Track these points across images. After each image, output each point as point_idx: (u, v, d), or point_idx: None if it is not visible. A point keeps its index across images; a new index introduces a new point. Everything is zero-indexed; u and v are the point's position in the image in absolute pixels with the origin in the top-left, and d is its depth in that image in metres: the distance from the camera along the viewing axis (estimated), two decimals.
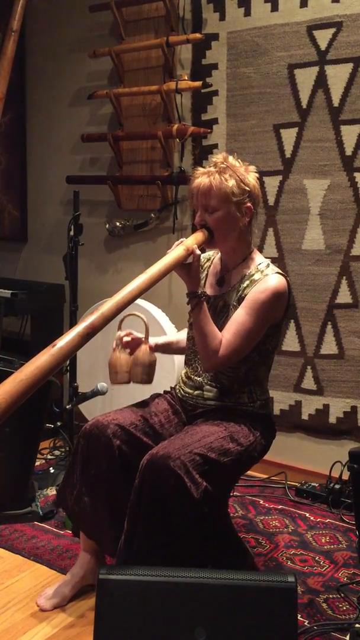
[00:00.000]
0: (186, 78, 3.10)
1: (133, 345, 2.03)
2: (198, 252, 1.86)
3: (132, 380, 1.99)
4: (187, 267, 1.87)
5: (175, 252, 1.83)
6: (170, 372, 2.79)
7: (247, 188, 1.92)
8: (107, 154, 3.50)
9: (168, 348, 2.21)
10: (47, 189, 3.80)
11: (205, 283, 2.11)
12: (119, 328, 2.05)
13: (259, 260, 2.01)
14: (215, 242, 1.97)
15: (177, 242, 1.88)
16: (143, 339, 2.02)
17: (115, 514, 1.89)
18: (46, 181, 3.80)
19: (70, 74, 3.62)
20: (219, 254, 2.12)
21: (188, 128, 3.09)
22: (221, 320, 1.97)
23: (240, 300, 1.94)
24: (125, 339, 2.03)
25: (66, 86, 3.64)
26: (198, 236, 1.91)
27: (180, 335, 2.24)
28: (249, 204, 1.93)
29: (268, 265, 1.98)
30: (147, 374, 1.98)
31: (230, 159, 1.96)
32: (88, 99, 3.43)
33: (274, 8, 2.86)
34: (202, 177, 1.93)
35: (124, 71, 3.37)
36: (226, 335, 1.89)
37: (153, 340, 2.09)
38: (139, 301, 2.97)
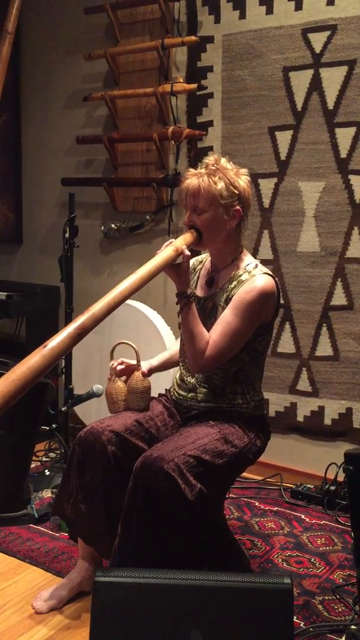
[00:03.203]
0: (181, 80, 3.10)
1: (127, 372, 2.09)
2: (187, 252, 1.87)
3: (129, 407, 2.07)
4: (177, 268, 1.88)
5: (165, 252, 1.83)
6: (165, 374, 2.79)
7: (236, 191, 1.92)
8: (102, 156, 3.50)
9: (164, 366, 2.22)
10: (42, 191, 3.80)
11: (196, 285, 2.11)
12: (111, 357, 2.11)
13: (248, 261, 2.01)
14: (204, 243, 1.98)
15: (166, 243, 1.89)
16: (136, 366, 2.06)
17: (112, 520, 1.88)
18: (41, 183, 3.80)
19: (65, 76, 3.62)
20: None
21: (183, 130, 3.09)
22: (210, 321, 1.97)
23: (228, 300, 1.94)
24: (119, 367, 2.08)
25: (61, 88, 3.64)
26: (187, 237, 1.92)
27: (175, 348, 2.24)
28: (237, 207, 1.93)
29: (256, 266, 1.98)
30: (142, 400, 2.06)
31: (223, 161, 1.96)
32: (83, 101, 3.43)
33: (269, 11, 2.87)
34: (192, 179, 1.93)
35: (119, 73, 3.37)
36: (213, 336, 1.89)
37: (146, 364, 2.13)
38: (134, 303, 2.98)
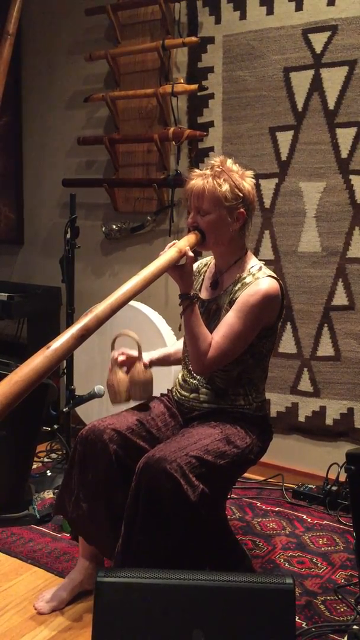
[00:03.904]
0: (182, 81, 3.11)
1: (128, 363, 2.08)
2: (191, 254, 1.87)
3: (132, 398, 2.07)
4: (180, 269, 1.87)
5: (168, 254, 1.83)
6: (167, 374, 2.79)
7: (241, 194, 1.92)
8: (103, 157, 3.51)
9: (165, 361, 2.22)
10: (43, 192, 3.80)
11: (201, 287, 2.11)
12: (112, 348, 2.09)
13: (252, 263, 2.01)
14: (207, 245, 1.98)
15: (169, 244, 1.89)
16: (137, 357, 2.06)
17: (114, 518, 1.89)
18: (42, 184, 3.80)
19: (66, 77, 3.62)
20: None
21: (184, 131, 3.10)
22: (214, 323, 1.97)
23: (232, 303, 1.94)
24: (120, 358, 2.07)
25: (62, 89, 3.65)
26: (190, 238, 1.92)
27: (177, 346, 2.24)
28: (241, 210, 1.93)
29: (260, 269, 1.98)
30: (145, 391, 2.05)
31: (229, 162, 1.96)
32: (84, 102, 3.43)
33: (270, 11, 2.87)
34: (197, 180, 1.93)
35: (120, 74, 3.38)
36: (216, 338, 1.89)
37: (148, 355, 2.12)
38: (136, 304, 2.99)
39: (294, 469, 3.01)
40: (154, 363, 2.14)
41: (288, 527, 2.58)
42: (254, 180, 1.99)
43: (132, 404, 2.10)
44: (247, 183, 1.95)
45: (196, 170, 1.99)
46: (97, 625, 1.43)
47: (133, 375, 2.05)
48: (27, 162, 3.86)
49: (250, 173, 1.99)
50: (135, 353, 2.07)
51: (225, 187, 1.89)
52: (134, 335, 2.05)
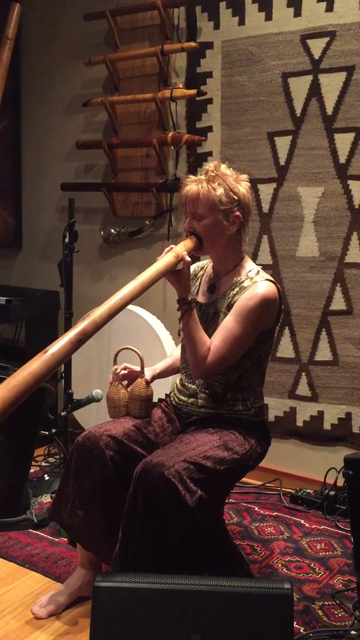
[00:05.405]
0: (181, 86, 3.11)
1: (130, 378, 2.09)
2: (188, 258, 1.87)
3: (130, 414, 2.07)
4: (178, 274, 1.88)
5: (165, 258, 1.84)
6: (165, 379, 2.79)
7: (236, 197, 1.92)
8: (102, 161, 3.51)
9: (167, 372, 2.22)
10: (42, 196, 3.81)
11: (198, 291, 2.11)
12: (115, 362, 2.10)
13: (250, 267, 2.02)
14: (204, 249, 1.98)
15: (166, 249, 1.89)
16: (140, 373, 2.06)
17: (111, 524, 1.89)
18: (41, 188, 3.80)
19: (65, 81, 3.63)
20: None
21: (183, 136, 3.10)
22: (212, 328, 1.97)
23: (229, 307, 1.94)
24: (122, 372, 2.08)
25: (61, 94, 3.65)
26: (187, 243, 1.92)
27: (176, 354, 2.24)
28: (237, 213, 1.94)
29: (258, 273, 1.98)
30: (143, 408, 2.05)
31: (222, 167, 1.97)
32: (83, 107, 3.44)
33: (268, 17, 2.88)
34: (192, 185, 1.94)
35: (119, 79, 3.39)
36: (214, 342, 1.89)
37: (150, 371, 2.13)
38: (135, 308, 2.99)
39: (291, 473, 3.00)
40: (157, 377, 2.14)
41: (286, 531, 2.58)
42: (248, 184, 1.99)
43: None
44: (242, 186, 1.96)
45: (191, 176, 2.00)
46: (95, 630, 1.42)
47: (134, 391, 2.05)
48: (26, 166, 3.87)
49: (244, 177, 2.00)
50: (137, 368, 2.08)
51: (220, 190, 1.90)
52: (137, 350, 2.06)
